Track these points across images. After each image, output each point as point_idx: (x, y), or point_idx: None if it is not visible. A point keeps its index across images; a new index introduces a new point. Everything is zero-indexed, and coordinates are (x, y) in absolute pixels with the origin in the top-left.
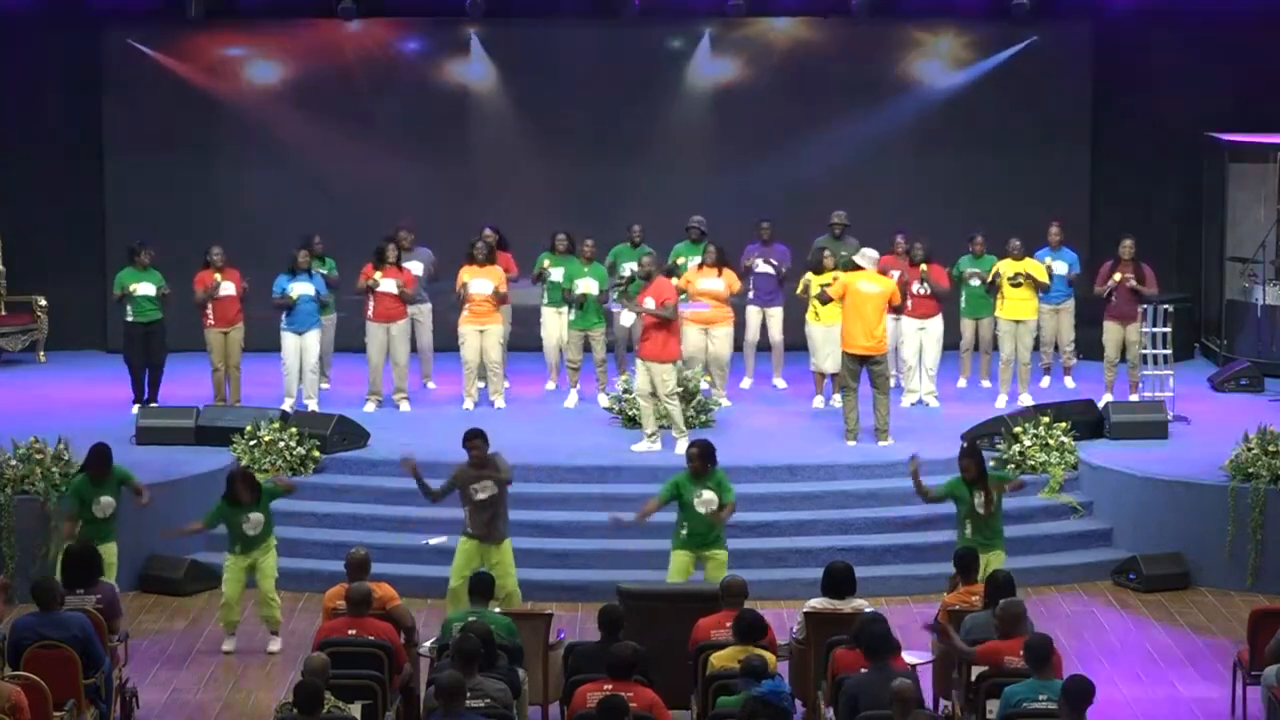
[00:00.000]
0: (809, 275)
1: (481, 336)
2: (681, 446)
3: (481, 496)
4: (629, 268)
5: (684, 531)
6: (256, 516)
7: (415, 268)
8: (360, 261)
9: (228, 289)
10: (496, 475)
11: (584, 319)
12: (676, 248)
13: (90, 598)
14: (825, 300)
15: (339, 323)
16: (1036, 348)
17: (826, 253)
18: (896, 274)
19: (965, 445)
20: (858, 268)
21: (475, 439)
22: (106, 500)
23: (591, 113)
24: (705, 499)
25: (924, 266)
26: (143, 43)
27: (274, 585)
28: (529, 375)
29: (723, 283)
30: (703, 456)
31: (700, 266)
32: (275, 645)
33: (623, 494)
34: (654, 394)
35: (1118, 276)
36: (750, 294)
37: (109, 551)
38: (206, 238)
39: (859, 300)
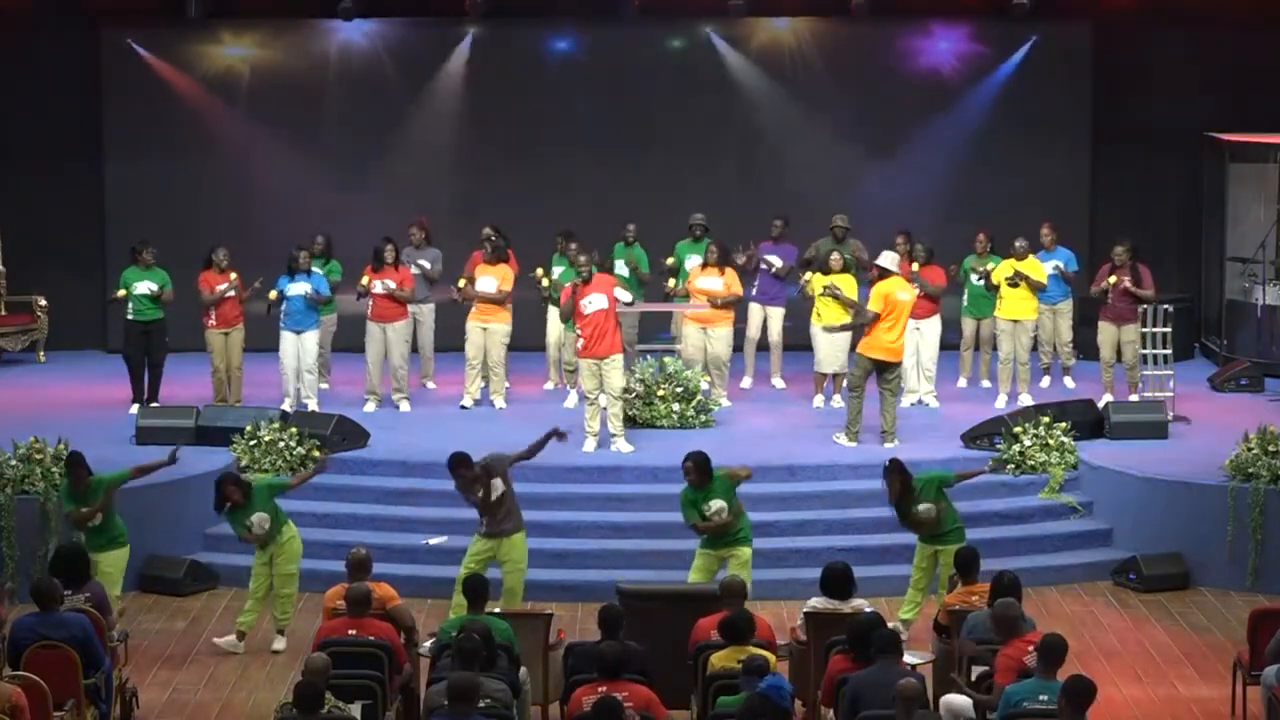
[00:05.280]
0: (812, 273)
1: (484, 334)
2: (618, 446)
3: (481, 496)
4: (620, 264)
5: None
6: (260, 517)
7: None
8: (361, 262)
9: (230, 291)
10: (488, 490)
11: None
12: (678, 246)
13: (79, 597)
14: (856, 308)
15: (339, 323)
16: (1036, 348)
17: (835, 255)
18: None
19: (888, 463)
20: (870, 269)
21: (460, 467)
22: (84, 511)
23: (591, 113)
24: (715, 509)
25: (915, 266)
26: (142, 43)
27: (287, 582)
28: (529, 375)
29: (722, 282)
30: (698, 470)
31: (703, 266)
32: (280, 644)
33: (622, 494)
34: (601, 391)
35: (1113, 279)
36: (753, 291)
37: (106, 560)
38: (206, 238)
39: (899, 310)
